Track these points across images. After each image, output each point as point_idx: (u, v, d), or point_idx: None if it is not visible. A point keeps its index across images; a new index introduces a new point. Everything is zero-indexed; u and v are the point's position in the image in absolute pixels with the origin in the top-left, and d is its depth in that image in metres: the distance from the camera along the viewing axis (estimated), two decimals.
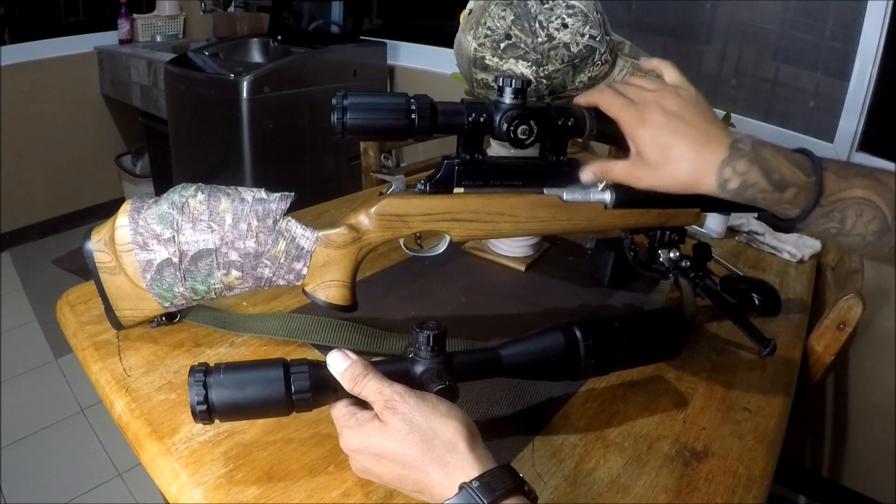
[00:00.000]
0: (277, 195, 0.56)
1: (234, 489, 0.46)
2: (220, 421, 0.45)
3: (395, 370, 0.47)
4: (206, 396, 0.43)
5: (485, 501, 0.36)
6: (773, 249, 1.03)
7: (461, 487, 0.37)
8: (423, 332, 0.47)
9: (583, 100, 0.58)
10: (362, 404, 0.45)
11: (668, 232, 0.66)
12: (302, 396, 0.44)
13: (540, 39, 0.69)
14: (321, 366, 0.45)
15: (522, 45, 0.70)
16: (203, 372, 0.44)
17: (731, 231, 1.08)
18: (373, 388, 0.43)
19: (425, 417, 0.41)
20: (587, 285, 0.84)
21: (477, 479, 0.38)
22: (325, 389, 0.45)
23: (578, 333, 0.52)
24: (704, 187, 0.51)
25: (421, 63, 2.14)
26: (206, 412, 0.44)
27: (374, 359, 0.47)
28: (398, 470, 0.41)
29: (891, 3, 1.21)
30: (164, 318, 0.62)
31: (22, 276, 2.28)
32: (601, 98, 0.55)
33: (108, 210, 0.77)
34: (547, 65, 0.70)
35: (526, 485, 0.39)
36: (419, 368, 0.47)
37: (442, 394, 0.44)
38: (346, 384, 0.44)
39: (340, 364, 0.44)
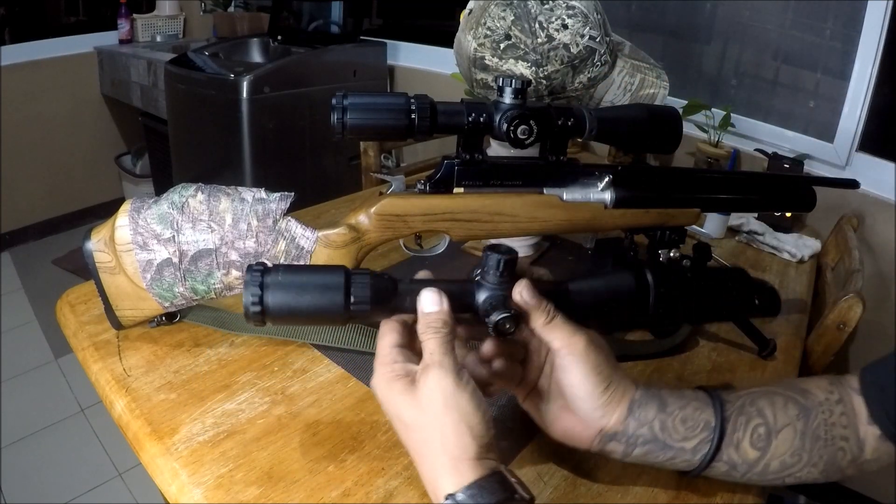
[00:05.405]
0: (277, 195, 0.56)
1: (234, 489, 0.46)
2: (273, 323, 0.43)
3: (459, 291, 0.43)
4: (261, 298, 0.41)
5: None
6: (773, 249, 1.03)
7: (447, 497, 0.36)
8: (493, 255, 0.43)
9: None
10: (410, 351, 0.43)
11: (668, 232, 0.66)
12: (360, 307, 0.42)
13: (540, 40, 0.69)
14: (382, 276, 0.43)
15: (522, 46, 0.70)
16: (261, 272, 0.41)
17: (731, 231, 1.08)
18: (433, 346, 0.40)
19: (453, 402, 0.38)
20: None
21: (464, 490, 0.36)
22: (384, 303, 0.42)
23: (650, 278, 0.49)
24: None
25: (421, 63, 2.14)
26: (260, 314, 0.41)
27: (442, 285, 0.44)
28: (403, 431, 0.40)
29: (891, 3, 1.21)
30: (164, 318, 0.62)
31: (22, 276, 2.28)
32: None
33: (108, 210, 0.77)
34: (546, 65, 0.70)
35: (517, 493, 0.37)
36: (483, 294, 0.44)
37: (506, 322, 0.41)
38: (420, 325, 0.42)
39: (429, 305, 0.42)
